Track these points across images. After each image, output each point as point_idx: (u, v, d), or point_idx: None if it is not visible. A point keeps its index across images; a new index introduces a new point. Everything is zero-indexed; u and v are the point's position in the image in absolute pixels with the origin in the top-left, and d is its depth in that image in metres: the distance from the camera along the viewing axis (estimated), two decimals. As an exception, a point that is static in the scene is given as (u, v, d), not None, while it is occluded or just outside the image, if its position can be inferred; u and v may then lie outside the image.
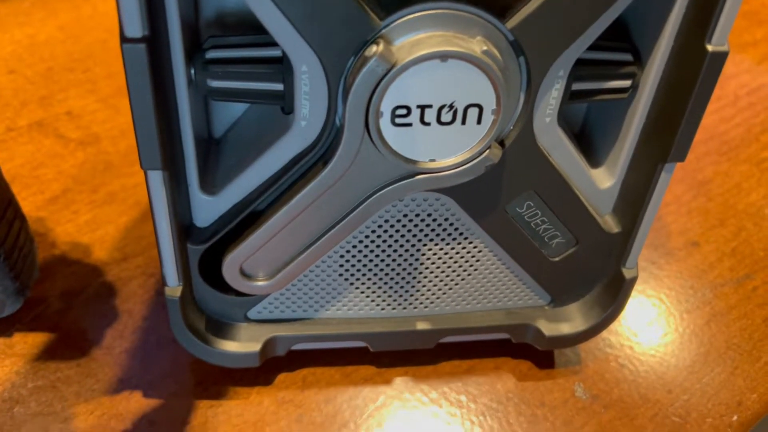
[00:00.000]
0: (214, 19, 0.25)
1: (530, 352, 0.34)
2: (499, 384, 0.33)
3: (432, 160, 0.24)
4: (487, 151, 0.24)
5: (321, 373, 0.33)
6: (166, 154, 0.24)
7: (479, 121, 0.23)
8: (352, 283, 0.30)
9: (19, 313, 0.34)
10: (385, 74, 0.22)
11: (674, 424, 0.32)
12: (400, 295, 0.30)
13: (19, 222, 0.33)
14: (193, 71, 0.24)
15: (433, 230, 0.28)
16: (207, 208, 0.27)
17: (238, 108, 0.28)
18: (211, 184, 0.27)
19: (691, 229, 0.41)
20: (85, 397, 0.31)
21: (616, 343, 0.35)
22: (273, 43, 0.23)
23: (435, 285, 0.30)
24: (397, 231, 0.28)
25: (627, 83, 0.26)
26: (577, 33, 0.23)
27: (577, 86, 0.25)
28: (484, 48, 0.22)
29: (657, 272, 0.39)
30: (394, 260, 0.29)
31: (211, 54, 0.24)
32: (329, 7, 0.21)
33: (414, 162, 0.24)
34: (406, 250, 0.29)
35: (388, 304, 0.31)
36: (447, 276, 0.30)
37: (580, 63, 0.24)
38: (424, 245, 0.29)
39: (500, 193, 0.27)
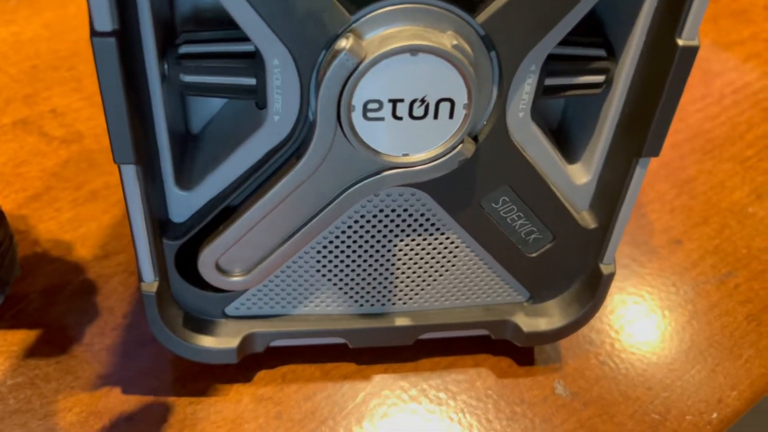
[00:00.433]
0: (189, 15, 0.25)
1: (510, 349, 0.34)
2: (479, 381, 0.33)
3: (405, 155, 0.24)
4: (460, 145, 0.24)
5: (301, 371, 0.33)
6: (140, 149, 0.24)
7: (451, 116, 0.23)
8: (329, 279, 0.30)
9: (-2, 310, 0.34)
10: (356, 68, 0.22)
11: (654, 422, 0.32)
12: (378, 291, 0.30)
13: (-2, 219, 0.33)
14: (166, 66, 0.24)
15: (409, 225, 0.28)
16: (183, 204, 0.27)
17: (215, 104, 0.28)
18: (187, 179, 0.27)
19: (674, 227, 0.41)
20: (65, 395, 0.31)
21: (597, 340, 0.35)
22: (246, 38, 0.23)
23: (413, 281, 0.30)
24: (374, 226, 0.28)
25: (601, 78, 0.26)
26: (547, 27, 0.23)
27: (550, 81, 0.25)
28: (455, 42, 0.22)
29: (639, 270, 0.39)
30: (371, 256, 0.29)
31: (184, 49, 0.24)
32: (299, 1, 0.21)
33: (387, 156, 0.24)
34: (383, 246, 0.29)
35: (367, 301, 0.31)
36: (425, 272, 0.30)
37: (553, 58, 0.24)
38: (401, 241, 0.29)
39: (475, 188, 0.27)
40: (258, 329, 0.30)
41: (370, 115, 0.23)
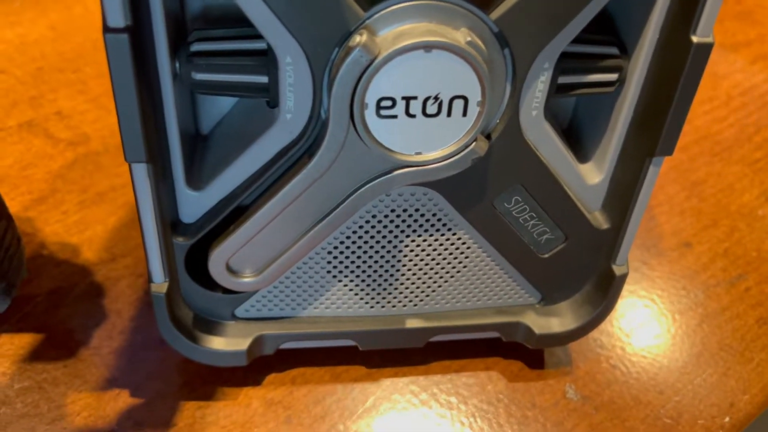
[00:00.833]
0: (200, 12, 0.25)
1: (521, 352, 0.34)
2: (490, 385, 0.33)
3: (418, 153, 0.24)
4: (474, 144, 0.24)
5: (311, 374, 0.33)
6: (151, 147, 0.23)
7: (465, 113, 0.23)
8: (340, 281, 0.29)
9: (5, 313, 0.34)
10: (369, 65, 0.22)
11: (666, 426, 0.32)
12: (389, 293, 0.30)
13: (5, 222, 0.32)
14: (177, 64, 0.24)
15: (421, 226, 0.28)
16: (193, 204, 0.27)
17: (225, 103, 0.28)
18: (197, 179, 0.27)
19: (683, 230, 0.41)
20: (72, 398, 0.31)
21: (608, 343, 0.35)
22: (258, 36, 0.23)
23: (424, 282, 0.30)
24: (385, 227, 0.28)
25: (613, 77, 0.25)
26: (561, 24, 0.23)
27: (563, 79, 0.25)
28: (469, 39, 0.22)
29: (649, 273, 0.39)
30: (382, 257, 0.29)
31: (196, 47, 0.24)
32: (313, -2, 0.21)
33: (400, 155, 0.24)
34: (395, 246, 0.28)
35: (377, 302, 0.30)
36: (436, 273, 0.30)
37: (566, 56, 0.24)
38: (413, 241, 0.28)
39: (487, 187, 0.27)
40: (268, 331, 0.30)
41: (383, 112, 0.23)
